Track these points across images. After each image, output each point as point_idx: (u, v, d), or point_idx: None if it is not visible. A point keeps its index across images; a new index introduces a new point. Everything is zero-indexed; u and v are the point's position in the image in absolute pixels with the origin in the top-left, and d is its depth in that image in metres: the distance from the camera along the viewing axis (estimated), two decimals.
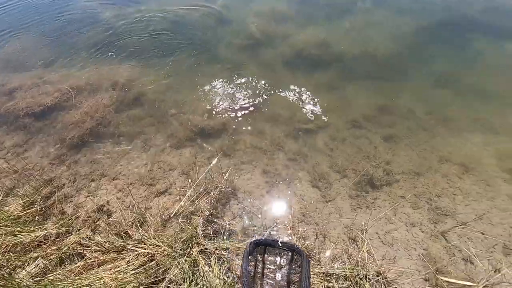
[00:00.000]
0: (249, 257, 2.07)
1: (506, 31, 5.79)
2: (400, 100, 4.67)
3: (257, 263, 2.14)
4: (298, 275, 2.05)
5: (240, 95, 4.89)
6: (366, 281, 2.47)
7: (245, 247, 2.21)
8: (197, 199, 3.19)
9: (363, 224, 3.05)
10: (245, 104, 4.71)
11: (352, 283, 2.44)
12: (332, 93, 4.82)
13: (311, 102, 4.65)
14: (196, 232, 2.79)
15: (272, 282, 2.03)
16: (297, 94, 4.82)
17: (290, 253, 2.16)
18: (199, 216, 3.00)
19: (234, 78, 5.25)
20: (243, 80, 5.20)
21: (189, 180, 3.48)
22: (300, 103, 4.65)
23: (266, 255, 2.18)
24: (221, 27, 6.74)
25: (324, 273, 2.56)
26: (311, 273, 2.42)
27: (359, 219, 3.16)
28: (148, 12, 7.33)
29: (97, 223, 3.03)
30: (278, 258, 2.16)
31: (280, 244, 2.16)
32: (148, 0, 7.85)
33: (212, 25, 6.82)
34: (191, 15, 7.21)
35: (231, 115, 4.53)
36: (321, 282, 2.46)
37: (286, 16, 6.90)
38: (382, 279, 2.50)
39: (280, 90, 4.92)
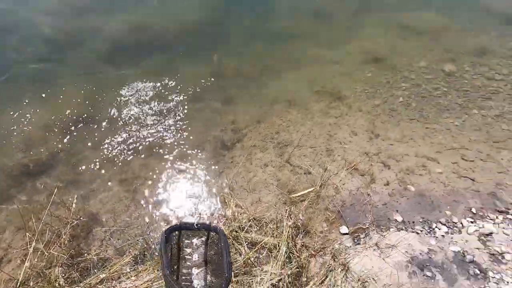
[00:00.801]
0: (166, 244, 1.97)
1: None
2: (226, 63, 5.05)
3: (173, 249, 2.06)
4: (215, 252, 2.08)
5: (60, 111, 4.16)
6: (242, 231, 2.77)
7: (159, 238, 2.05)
8: (46, 248, 2.69)
9: (224, 185, 3.33)
10: (70, 119, 4.06)
11: (230, 239, 2.69)
12: (163, 75, 4.73)
13: (145, 92, 4.44)
14: (59, 284, 2.39)
15: (189, 263, 2.01)
16: (127, 88, 4.49)
17: (206, 233, 2.13)
18: (55, 266, 2.56)
19: (45, 94, 4.39)
20: (58, 93, 4.41)
21: (27, 233, 2.86)
22: (133, 97, 4.38)
23: (181, 239, 2.12)
24: (4, 38, 5.33)
25: None
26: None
27: (226, 181, 3.42)
28: None
29: None
30: (194, 240, 2.12)
31: (196, 226, 2.11)
32: None
33: None
34: None
35: (58, 137, 3.85)
36: None
37: (84, 6, 6.04)
38: (253, 221, 2.86)
39: (106, 89, 4.46)
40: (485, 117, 3.97)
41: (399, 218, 2.90)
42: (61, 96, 4.38)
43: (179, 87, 4.56)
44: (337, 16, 6.01)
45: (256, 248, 2.58)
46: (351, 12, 6.10)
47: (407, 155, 3.57)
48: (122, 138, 3.88)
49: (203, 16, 5.86)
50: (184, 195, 3.30)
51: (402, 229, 2.80)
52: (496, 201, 3.03)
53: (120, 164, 3.63)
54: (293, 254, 2.54)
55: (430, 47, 5.15)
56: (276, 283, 2.35)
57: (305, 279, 2.43)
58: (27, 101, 4.30)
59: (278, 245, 2.55)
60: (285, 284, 2.30)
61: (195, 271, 2.00)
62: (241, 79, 4.77)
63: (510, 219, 2.84)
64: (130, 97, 4.38)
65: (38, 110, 4.17)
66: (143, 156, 3.72)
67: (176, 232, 2.18)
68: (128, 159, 3.69)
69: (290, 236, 2.67)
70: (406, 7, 6.00)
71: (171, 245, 2.09)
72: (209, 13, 5.94)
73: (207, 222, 2.72)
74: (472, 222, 2.83)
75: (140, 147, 3.80)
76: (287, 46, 5.39)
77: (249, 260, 2.55)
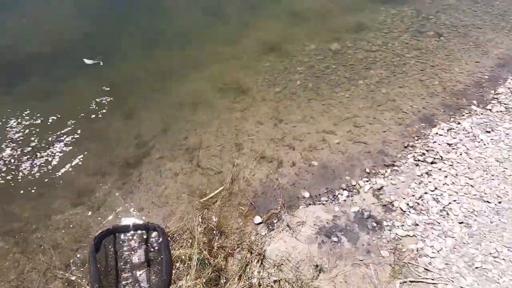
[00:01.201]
0: (97, 255, 1.94)
1: None
2: (123, 73, 4.68)
3: (108, 255, 2.00)
4: (156, 252, 2.05)
5: None
6: None
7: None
8: None
9: (132, 207, 3.08)
10: None
11: None
12: (48, 99, 4.16)
13: (26, 123, 3.85)
14: None
15: (129, 266, 1.96)
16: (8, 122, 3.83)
17: (145, 233, 2.15)
18: None
19: None
20: None
21: None
22: (11, 131, 3.75)
23: (117, 243, 2.09)
24: None
25: None
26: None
27: (134, 203, 3.16)
28: None
29: None
30: (132, 242, 2.11)
31: (132, 227, 2.16)
32: None
33: None
34: None
35: None
36: None
37: None
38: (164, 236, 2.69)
39: None
40: (368, 85, 4.44)
41: (307, 194, 3.05)
42: None
43: (69, 109, 4.07)
44: (233, 13, 6.04)
45: None
46: (245, 8, 6.19)
47: (309, 133, 3.79)
48: (2, 182, 3.30)
49: (87, 25, 5.31)
50: (86, 232, 2.93)
51: (310, 204, 2.96)
52: (384, 157, 3.42)
53: (9, 214, 3.08)
54: (208, 259, 2.46)
55: (317, 30, 5.55)
56: None
57: (224, 280, 2.38)
58: None
59: (190, 256, 2.44)
60: None
61: (137, 273, 1.94)
62: (141, 89, 4.48)
63: (396, 170, 3.23)
64: (15, 128, 3.75)
65: None
66: (31, 197, 3.22)
67: (111, 237, 2.12)
68: (12, 206, 3.15)
69: (205, 242, 2.59)
70: None
71: (105, 252, 2.00)
72: (95, 21, 5.42)
73: (145, 222, 2.58)
74: (367, 181, 3.14)
75: (27, 189, 3.27)
76: (186, 47, 5.23)
77: None
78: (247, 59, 5.03)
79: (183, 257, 2.48)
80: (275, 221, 2.85)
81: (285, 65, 4.89)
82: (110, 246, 2.19)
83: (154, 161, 3.62)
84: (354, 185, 3.12)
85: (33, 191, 3.27)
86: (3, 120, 3.91)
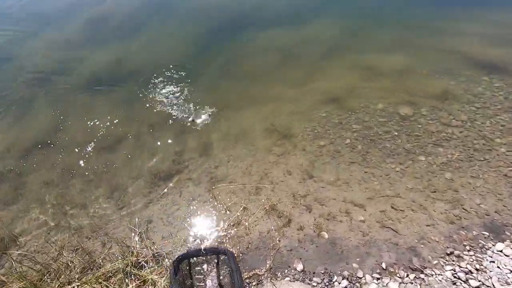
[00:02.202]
0: (176, 277, 2.03)
1: (267, 23, 7.27)
2: (193, 95, 5.32)
3: (185, 278, 2.10)
4: (227, 275, 2.12)
5: (25, 134, 4.54)
6: (135, 267, 2.76)
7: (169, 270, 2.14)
8: None
9: (137, 219, 3.37)
10: (30, 142, 4.41)
11: (121, 275, 2.68)
12: (130, 105, 5.06)
13: (107, 120, 4.76)
14: None
15: None
16: (95, 116, 4.84)
17: (215, 256, 2.22)
18: None
19: (16, 117, 4.84)
20: (29, 117, 4.85)
21: None
22: (97, 125, 4.69)
23: (192, 267, 2.19)
24: (6, 65, 6.06)
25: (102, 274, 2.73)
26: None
27: (146, 214, 3.48)
28: None
29: None
30: (204, 266, 2.19)
31: (204, 251, 2.20)
32: None
33: None
34: None
35: (13, 158, 4.17)
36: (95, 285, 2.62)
37: (78, 41, 6.76)
38: (152, 257, 2.85)
39: (74, 117, 4.84)
40: (430, 164, 3.78)
41: (300, 267, 2.75)
42: (31, 120, 4.80)
43: (141, 117, 4.83)
44: (308, 58, 6.15)
45: (134, 285, 2.54)
46: (319, 55, 6.20)
47: (334, 199, 3.45)
48: (69, 164, 4.13)
49: (178, 57, 6.28)
50: (101, 226, 3.37)
51: (298, 280, 2.65)
52: (413, 257, 2.81)
53: (61, 189, 3.84)
54: None
55: (392, 89, 5.09)
56: None
57: None
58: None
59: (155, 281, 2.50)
60: None
61: None
62: (201, 114, 4.95)
63: (421, 279, 2.60)
64: (94, 124, 4.71)
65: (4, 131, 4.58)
66: (84, 181, 3.92)
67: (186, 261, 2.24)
68: (68, 184, 3.89)
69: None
70: (376, 50, 6.03)
71: (182, 275, 2.11)
72: (184, 55, 6.36)
73: (215, 245, 2.69)
74: (378, 278, 2.62)
75: (85, 173, 4.01)
76: (250, 84, 5.54)
77: None
78: (305, 105, 4.99)
79: (149, 282, 2.57)
80: (253, 282, 2.66)
81: (341, 120, 4.63)
82: (185, 270, 2.20)
83: (181, 180, 3.92)
84: (359, 278, 2.65)
85: (88, 176, 3.97)
86: (93, 118, 4.91)
